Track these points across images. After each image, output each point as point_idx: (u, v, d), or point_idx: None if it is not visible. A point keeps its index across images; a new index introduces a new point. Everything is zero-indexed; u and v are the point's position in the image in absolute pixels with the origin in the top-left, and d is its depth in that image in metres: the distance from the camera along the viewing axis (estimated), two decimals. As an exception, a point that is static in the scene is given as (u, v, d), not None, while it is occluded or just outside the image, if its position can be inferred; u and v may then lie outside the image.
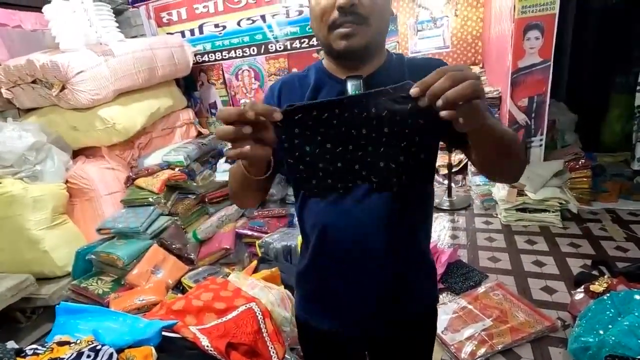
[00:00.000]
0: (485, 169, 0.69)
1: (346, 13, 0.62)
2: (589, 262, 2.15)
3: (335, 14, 0.63)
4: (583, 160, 2.74)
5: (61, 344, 0.68)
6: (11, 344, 0.70)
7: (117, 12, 3.00)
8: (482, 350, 1.61)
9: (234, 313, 0.90)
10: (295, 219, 2.43)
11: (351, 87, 0.66)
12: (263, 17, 2.96)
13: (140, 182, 2.42)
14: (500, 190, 2.80)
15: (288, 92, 0.75)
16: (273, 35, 2.99)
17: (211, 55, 3.22)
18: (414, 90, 0.51)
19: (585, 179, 2.72)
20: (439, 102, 0.48)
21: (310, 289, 0.82)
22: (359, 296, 0.75)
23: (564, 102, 3.65)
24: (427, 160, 0.70)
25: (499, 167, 0.67)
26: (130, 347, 0.66)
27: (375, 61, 0.71)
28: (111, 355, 0.65)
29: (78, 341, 0.68)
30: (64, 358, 0.59)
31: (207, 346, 0.77)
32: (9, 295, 1.89)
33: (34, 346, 0.67)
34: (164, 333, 0.75)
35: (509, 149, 0.62)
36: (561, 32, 3.40)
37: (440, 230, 2.76)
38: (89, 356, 0.62)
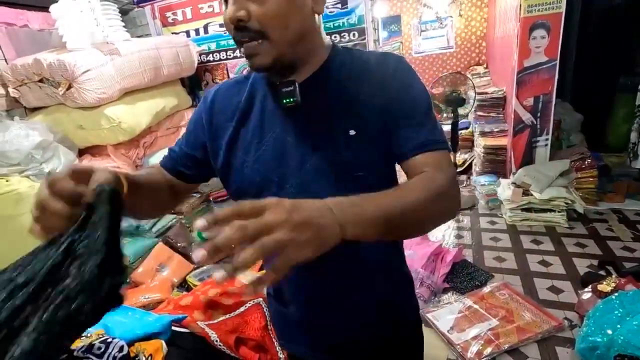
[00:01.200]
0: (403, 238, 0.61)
1: (240, 30, 0.55)
2: (595, 262, 2.14)
3: (233, 30, 0.56)
4: (589, 160, 2.73)
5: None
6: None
7: (123, 12, 3.01)
8: (488, 350, 1.60)
9: (242, 309, 0.90)
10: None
11: (284, 94, 0.60)
12: (268, 17, 2.97)
13: (146, 180, 2.43)
14: (505, 190, 2.78)
15: (223, 100, 0.68)
16: (278, 34, 2.99)
17: (216, 55, 3.23)
18: (198, 254, 0.37)
19: (591, 179, 2.70)
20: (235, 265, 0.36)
21: (277, 314, 0.77)
22: (329, 321, 0.70)
23: (569, 102, 3.63)
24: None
25: (425, 228, 0.59)
26: (140, 340, 0.66)
27: (312, 63, 0.63)
28: (122, 347, 0.65)
29: (89, 334, 0.68)
30: (75, 349, 0.60)
31: (216, 341, 0.77)
32: (16, 292, 1.90)
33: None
34: (173, 327, 0.76)
35: (426, 212, 0.52)
36: (567, 32, 3.39)
37: (445, 230, 2.75)
38: (99, 348, 0.62)
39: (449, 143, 3.43)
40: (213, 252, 0.35)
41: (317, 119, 0.61)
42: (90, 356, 0.61)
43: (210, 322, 0.82)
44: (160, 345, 0.66)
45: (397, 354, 0.76)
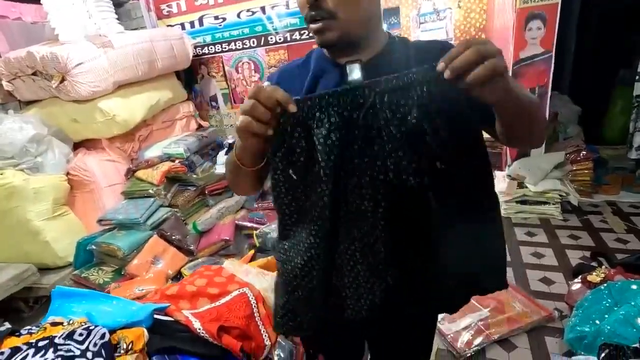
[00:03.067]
0: (513, 138, 0.69)
1: (314, 9, 0.63)
2: (588, 253, 2.15)
3: (307, 9, 0.64)
4: (584, 153, 2.72)
5: (54, 324, 0.69)
6: (5, 325, 0.71)
7: (118, 4, 2.99)
8: (478, 340, 1.61)
9: (227, 298, 0.91)
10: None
11: (350, 72, 0.65)
12: (263, 9, 2.95)
13: (141, 174, 2.44)
14: (500, 183, 2.78)
15: (287, 81, 0.74)
16: (273, 26, 2.98)
17: (211, 48, 3.21)
18: (440, 65, 0.50)
19: (586, 171, 2.70)
20: (468, 79, 0.48)
21: None
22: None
23: (567, 94, 3.62)
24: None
25: (527, 134, 0.68)
26: (122, 328, 0.67)
27: (373, 47, 0.69)
28: (104, 334, 0.66)
29: (71, 322, 0.69)
30: (57, 336, 0.61)
31: (199, 329, 0.78)
32: (11, 284, 1.92)
33: (28, 327, 0.69)
34: (156, 316, 0.77)
35: (533, 114, 0.63)
36: (566, 24, 3.36)
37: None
38: (81, 334, 0.63)
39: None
40: (451, 66, 0.48)
41: None
42: (72, 343, 0.62)
43: (195, 310, 0.84)
44: (142, 333, 0.67)
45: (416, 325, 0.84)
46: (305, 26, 3.09)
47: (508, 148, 2.91)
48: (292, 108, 0.53)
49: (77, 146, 2.59)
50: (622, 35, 3.59)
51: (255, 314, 0.91)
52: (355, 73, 0.64)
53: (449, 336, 1.66)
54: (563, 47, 3.46)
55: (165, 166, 2.44)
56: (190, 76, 3.37)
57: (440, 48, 0.68)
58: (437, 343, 1.67)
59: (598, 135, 3.48)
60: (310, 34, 2.86)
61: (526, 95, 0.61)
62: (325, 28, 0.63)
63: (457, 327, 1.70)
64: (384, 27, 0.73)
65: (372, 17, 0.67)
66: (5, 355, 0.57)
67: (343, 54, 0.68)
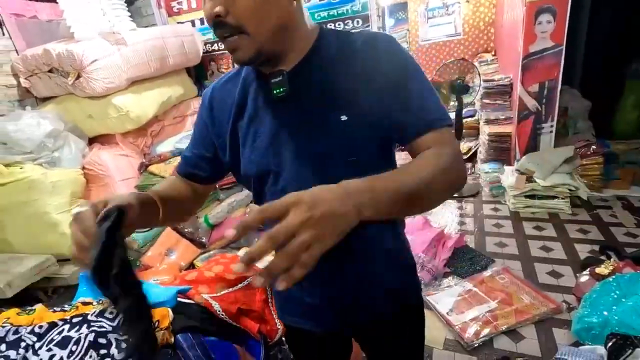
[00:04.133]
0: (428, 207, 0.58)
1: (218, 26, 0.56)
2: (597, 247, 2.15)
3: (212, 27, 0.57)
4: (594, 147, 2.71)
5: (85, 304, 0.73)
6: (39, 305, 0.76)
7: (129, 2, 3.05)
8: (486, 331, 1.64)
9: (244, 283, 0.95)
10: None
11: (274, 85, 0.60)
12: (272, 5, 2.97)
13: (153, 168, 2.50)
14: (509, 177, 2.79)
15: (219, 99, 0.70)
16: (282, 23, 3.00)
17: (221, 44, 3.25)
18: (236, 267, 0.40)
19: (596, 166, 2.69)
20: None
21: (286, 292, 0.72)
22: (337, 295, 0.72)
23: (577, 88, 3.58)
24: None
25: (429, 206, 0.58)
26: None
27: (297, 52, 0.62)
28: (131, 313, 0.70)
29: (100, 302, 0.74)
30: (89, 313, 0.65)
31: (219, 310, 0.82)
32: (32, 274, 1.99)
33: (61, 305, 0.73)
34: (178, 298, 0.81)
35: (432, 189, 0.53)
36: (577, 17, 3.32)
37: (448, 217, 2.77)
38: (111, 312, 0.67)
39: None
40: (249, 262, 0.39)
41: (308, 107, 0.61)
42: (103, 320, 0.66)
43: (214, 294, 0.88)
44: (167, 312, 0.72)
45: (400, 333, 0.79)
46: (314, 22, 3.11)
47: (517, 142, 2.91)
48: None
49: (91, 141, 2.66)
50: (634, 28, 3.53)
51: (269, 300, 0.95)
52: (279, 85, 0.60)
53: (457, 327, 1.68)
54: (574, 40, 3.43)
55: (177, 161, 2.49)
56: (201, 72, 3.42)
57: (371, 45, 0.61)
58: (445, 333, 1.70)
59: (609, 129, 3.44)
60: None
61: (409, 176, 0.51)
62: (236, 46, 0.57)
63: (465, 318, 1.73)
64: (309, 23, 0.65)
65: (287, 21, 0.59)
66: (44, 329, 0.62)
67: (265, 66, 0.63)
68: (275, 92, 0.60)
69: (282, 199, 0.41)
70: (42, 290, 2.19)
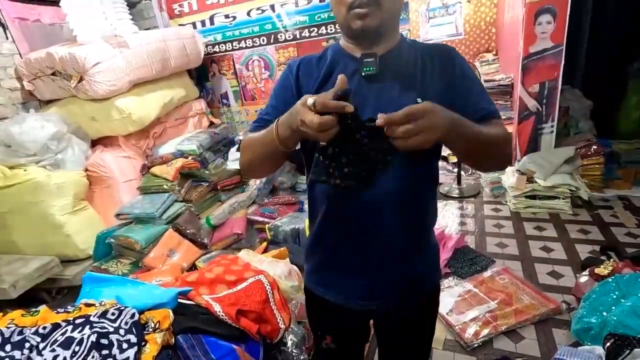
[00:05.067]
0: (472, 165, 0.77)
1: None
2: (597, 248, 2.15)
3: None
4: (595, 147, 2.71)
5: (88, 305, 0.75)
6: (43, 306, 0.78)
7: (131, 5, 3.07)
8: (485, 331, 1.64)
9: (244, 284, 0.96)
10: (305, 205, 2.49)
11: (365, 64, 0.71)
12: (272, 7, 2.99)
13: (156, 170, 2.51)
14: (509, 178, 2.79)
15: (306, 70, 0.79)
16: (282, 24, 3.02)
17: (222, 46, 3.27)
18: (379, 121, 0.57)
19: (597, 166, 2.69)
20: (397, 144, 0.58)
21: (316, 260, 0.86)
22: (363, 270, 0.79)
23: (579, 88, 3.57)
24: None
25: (485, 163, 0.76)
26: (149, 309, 0.73)
27: (389, 42, 0.75)
28: (133, 314, 0.72)
29: (102, 303, 0.75)
30: (91, 315, 0.67)
31: (219, 311, 0.83)
32: (36, 275, 2.02)
33: (64, 306, 0.75)
34: (179, 300, 0.82)
35: (487, 147, 0.69)
36: (579, 17, 3.32)
37: (449, 217, 2.78)
38: (113, 314, 0.69)
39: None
40: (386, 122, 0.57)
41: (390, 88, 0.72)
42: (105, 321, 0.68)
43: (214, 295, 0.89)
44: (167, 313, 0.73)
45: (416, 321, 0.88)
46: (313, 24, 3.12)
47: (518, 143, 2.91)
48: (350, 109, 0.58)
49: (94, 143, 2.69)
50: (637, 28, 3.52)
51: (270, 299, 0.96)
52: (370, 65, 0.70)
53: (457, 327, 1.69)
54: (575, 40, 3.42)
55: (179, 162, 2.51)
56: (202, 74, 3.43)
57: (442, 49, 0.78)
58: (445, 334, 1.70)
59: (612, 129, 3.43)
60: (320, 32, 2.91)
61: (479, 132, 0.67)
62: (370, 13, 0.68)
63: (465, 319, 1.74)
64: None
65: (399, 13, 0.75)
66: (47, 330, 0.63)
67: (366, 44, 0.74)
68: (365, 69, 0.71)
69: (422, 105, 0.58)
70: (46, 291, 2.21)
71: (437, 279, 0.92)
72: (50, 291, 2.24)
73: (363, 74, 0.72)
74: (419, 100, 0.69)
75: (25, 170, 2.17)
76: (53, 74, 2.45)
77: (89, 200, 2.47)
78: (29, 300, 2.13)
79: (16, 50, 2.60)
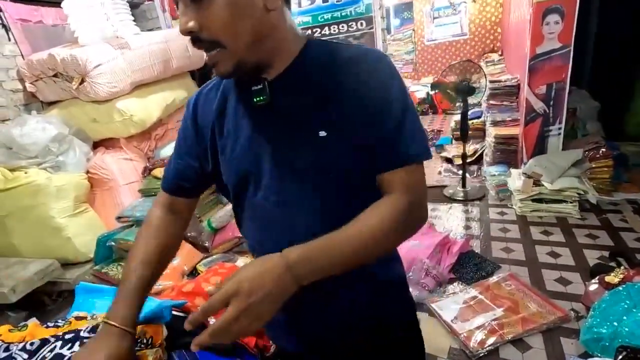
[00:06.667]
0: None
1: (195, 41, 0.55)
2: (606, 253, 2.10)
3: (189, 42, 0.56)
4: (604, 150, 2.65)
5: (79, 318, 0.72)
6: (32, 320, 0.75)
7: (134, 6, 3.06)
8: (491, 340, 1.60)
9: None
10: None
11: (255, 92, 0.59)
12: (275, 7, 2.96)
13: (157, 172, 2.49)
14: (515, 181, 2.74)
15: (203, 104, 0.69)
16: (285, 25, 2.99)
17: (224, 47, 3.25)
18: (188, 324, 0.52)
19: (606, 169, 2.63)
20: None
21: None
22: (317, 320, 0.69)
23: (586, 89, 3.52)
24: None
25: (379, 255, 0.60)
26: (142, 323, 0.70)
27: (281, 61, 0.60)
28: (124, 329, 0.70)
29: (94, 316, 0.73)
30: (82, 329, 0.64)
31: (215, 325, 0.81)
32: (36, 278, 2.00)
33: (55, 320, 0.72)
34: (173, 312, 0.80)
35: (369, 252, 0.57)
36: (586, 17, 3.26)
37: (453, 221, 2.73)
38: (104, 330, 0.67)
39: (458, 133, 3.37)
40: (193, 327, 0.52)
41: (288, 118, 0.60)
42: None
43: (211, 307, 0.86)
44: (160, 329, 0.70)
45: (393, 353, 0.74)
46: (316, 24, 3.09)
47: (524, 145, 2.86)
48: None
49: (96, 145, 2.68)
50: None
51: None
52: (260, 94, 0.59)
53: (462, 335, 1.65)
54: (583, 41, 3.36)
55: (180, 164, 2.49)
56: (205, 75, 3.41)
57: (360, 61, 0.58)
58: (449, 342, 1.67)
59: (620, 130, 3.37)
60: (323, 32, 2.87)
61: (351, 242, 0.55)
62: (216, 60, 0.56)
63: (471, 326, 1.69)
64: (295, 32, 0.63)
65: (265, 32, 0.56)
66: (35, 345, 0.61)
67: (246, 76, 0.61)
68: (255, 99, 0.59)
69: (223, 290, 0.50)
70: (47, 294, 2.20)
71: (406, 315, 0.78)
72: (51, 294, 2.23)
73: (254, 105, 0.60)
74: (322, 134, 0.57)
75: (26, 173, 2.16)
76: (55, 75, 2.44)
77: (90, 202, 2.46)
78: (29, 304, 2.12)
79: (18, 52, 2.59)
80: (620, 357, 1.16)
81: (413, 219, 0.60)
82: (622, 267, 1.74)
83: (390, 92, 0.57)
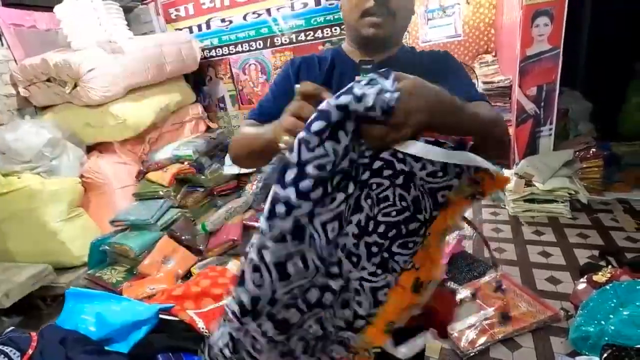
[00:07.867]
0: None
1: (380, 4, 0.69)
2: (596, 252, 2.12)
3: (371, 2, 0.69)
4: (594, 150, 2.68)
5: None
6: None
7: (127, 10, 3.06)
8: (482, 339, 1.62)
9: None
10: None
11: (363, 71, 0.68)
12: (268, 11, 2.98)
13: (151, 176, 2.51)
14: (508, 181, 2.76)
15: (307, 68, 0.80)
16: (278, 28, 3.01)
17: (218, 50, 3.26)
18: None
19: (596, 169, 2.66)
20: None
21: None
22: None
23: (579, 90, 3.54)
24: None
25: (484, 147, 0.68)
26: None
27: (391, 50, 0.77)
28: None
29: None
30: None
31: (203, 328, 0.82)
32: (30, 283, 2.00)
33: None
34: (162, 316, 0.81)
35: (484, 132, 0.62)
36: (578, 18, 3.29)
37: (447, 221, 2.75)
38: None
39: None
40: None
41: None
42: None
43: (199, 310, 0.88)
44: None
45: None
46: (310, 27, 3.11)
47: (516, 146, 2.89)
48: (326, 95, 0.56)
49: (90, 149, 2.68)
50: (636, 29, 3.49)
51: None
52: (367, 71, 0.67)
53: (453, 335, 1.67)
54: (575, 41, 3.39)
55: (175, 168, 2.50)
56: (199, 78, 3.42)
57: (437, 55, 0.79)
58: (441, 342, 1.68)
59: (614, 130, 3.40)
60: (317, 35, 2.87)
61: (474, 117, 0.62)
62: (383, 24, 0.70)
63: (462, 326, 1.71)
64: None
65: (406, 27, 0.77)
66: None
67: (369, 50, 0.75)
68: (362, 76, 0.66)
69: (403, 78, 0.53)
70: (41, 299, 2.20)
71: None
72: (45, 298, 2.23)
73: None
74: None
75: (19, 178, 2.17)
76: (48, 80, 2.44)
77: (84, 206, 2.46)
78: (23, 308, 2.12)
79: (11, 57, 2.59)
80: (605, 355, 1.18)
81: (502, 129, 0.69)
82: (609, 267, 1.76)
83: (460, 70, 0.78)
